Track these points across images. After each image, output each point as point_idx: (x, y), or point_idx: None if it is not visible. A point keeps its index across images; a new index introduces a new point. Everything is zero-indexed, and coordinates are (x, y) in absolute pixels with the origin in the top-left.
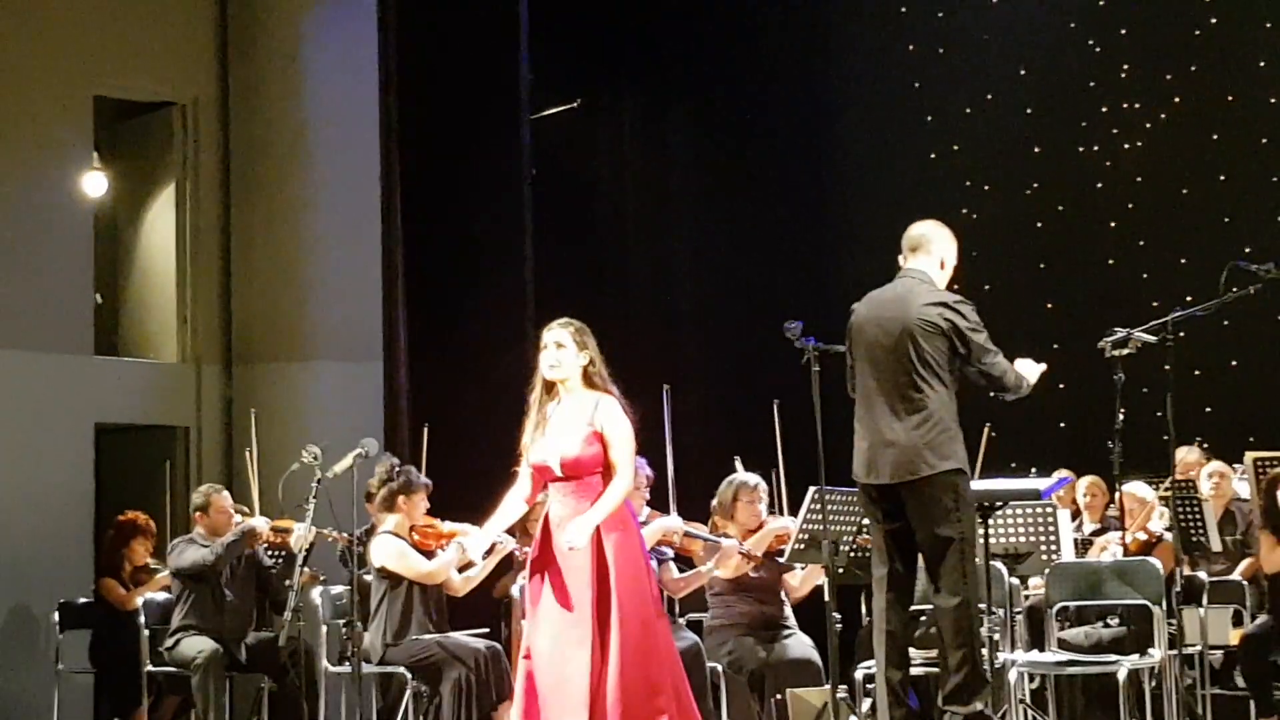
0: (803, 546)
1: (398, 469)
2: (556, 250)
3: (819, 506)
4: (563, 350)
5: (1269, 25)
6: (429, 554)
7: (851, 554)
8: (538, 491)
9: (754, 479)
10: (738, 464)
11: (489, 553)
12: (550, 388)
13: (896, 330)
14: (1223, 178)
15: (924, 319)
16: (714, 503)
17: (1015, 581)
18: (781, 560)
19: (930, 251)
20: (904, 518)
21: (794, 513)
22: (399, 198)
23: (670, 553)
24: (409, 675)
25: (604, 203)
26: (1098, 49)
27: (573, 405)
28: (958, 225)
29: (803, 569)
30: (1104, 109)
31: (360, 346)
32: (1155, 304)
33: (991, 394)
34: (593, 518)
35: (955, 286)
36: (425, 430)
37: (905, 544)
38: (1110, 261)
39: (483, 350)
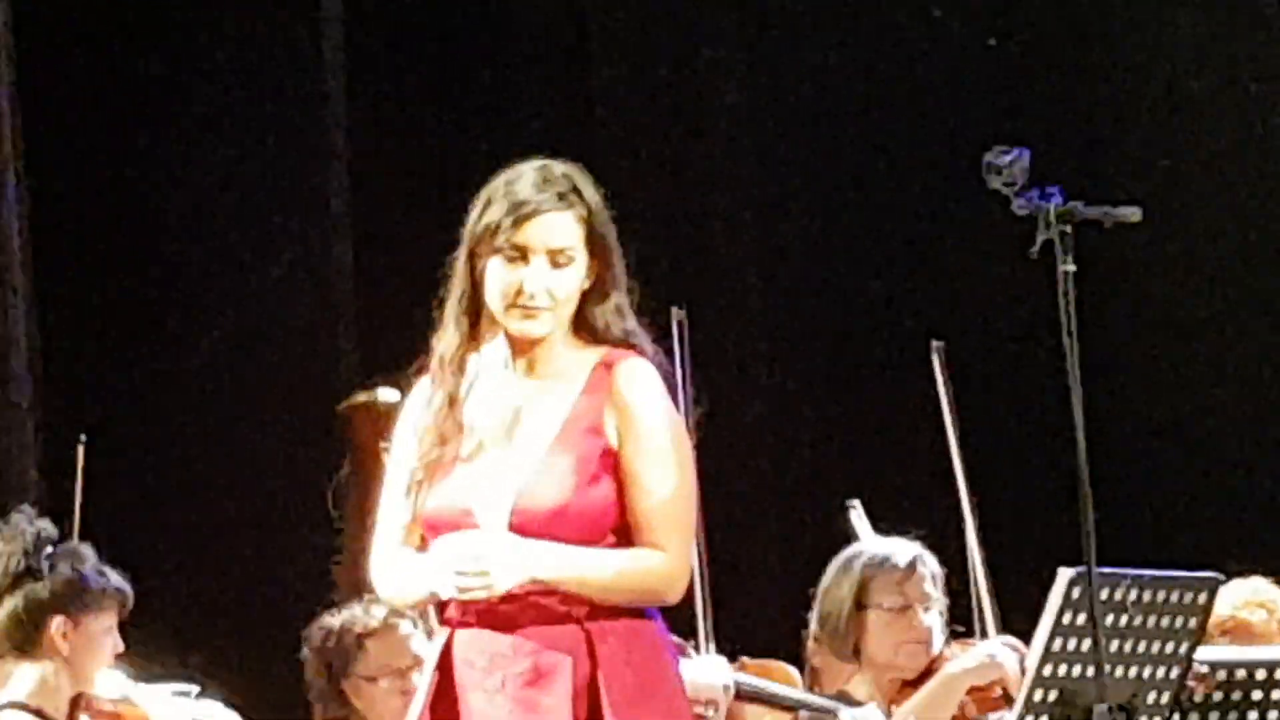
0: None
1: (50, 546)
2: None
3: (1081, 615)
4: (564, 269)
5: None
6: None
7: None
8: None
9: (907, 552)
10: (855, 514)
11: None
12: (475, 339)
13: None
14: None
15: None
16: (812, 623)
17: None
18: None
19: None
20: None
21: (1012, 631)
22: None
23: None
24: None
25: None
26: None
27: (545, 387)
28: None
29: None
30: None
31: None
32: None
33: None
34: (543, 559)
35: None
36: (81, 448)
37: None
38: None
39: (223, 256)
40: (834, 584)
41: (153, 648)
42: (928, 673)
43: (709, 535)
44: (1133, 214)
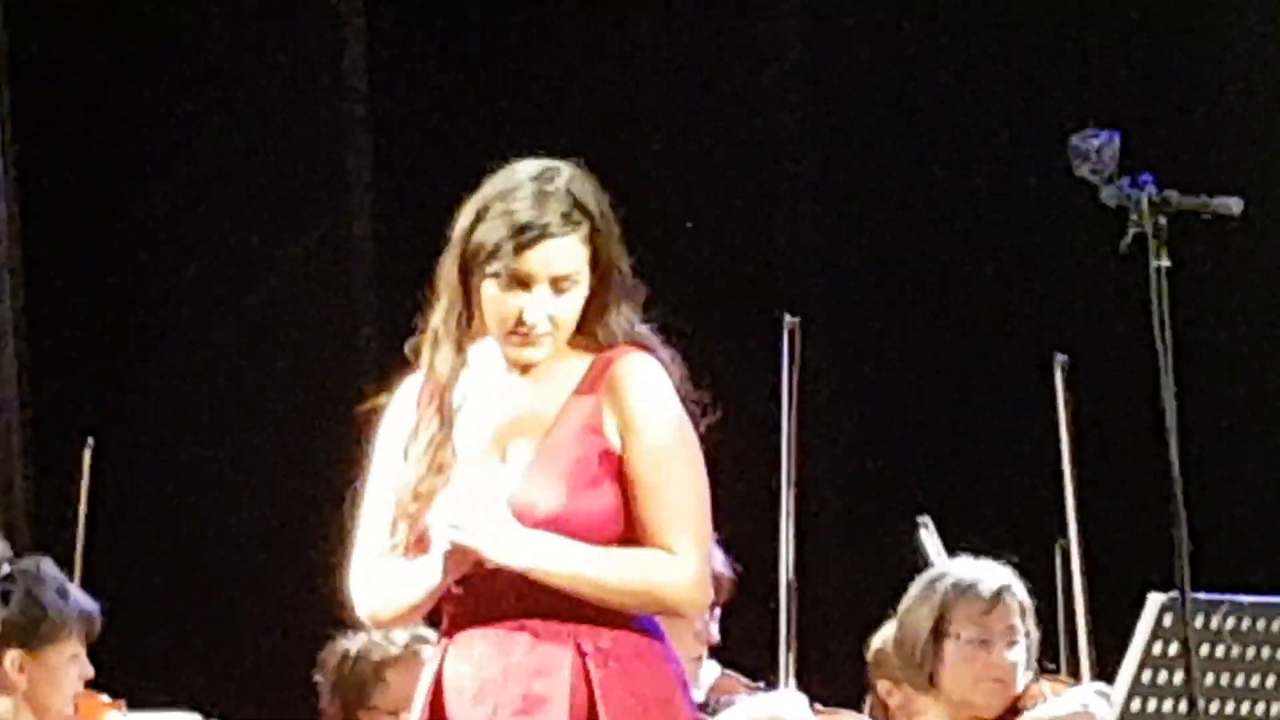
0: None
1: (5, 566)
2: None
3: (1174, 645)
4: (567, 294)
5: None
6: None
7: None
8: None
9: (995, 580)
10: (924, 532)
11: None
12: (467, 342)
13: None
14: None
15: None
16: (872, 652)
17: None
18: None
19: None
20: None
21: (1103, 676)
22: None
23: None
24: None
25: None
26: None
27: (538, 391)
28: None
29: None
30: None
31: None
32: None
33: None
34: (539, 543)
35: None
36: (87, 452)
37: None
38: None
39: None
40: (914, 607)
41: (152, 669)
42: (1012, 711)
43: (799, 557)
44: (1234, 205)
